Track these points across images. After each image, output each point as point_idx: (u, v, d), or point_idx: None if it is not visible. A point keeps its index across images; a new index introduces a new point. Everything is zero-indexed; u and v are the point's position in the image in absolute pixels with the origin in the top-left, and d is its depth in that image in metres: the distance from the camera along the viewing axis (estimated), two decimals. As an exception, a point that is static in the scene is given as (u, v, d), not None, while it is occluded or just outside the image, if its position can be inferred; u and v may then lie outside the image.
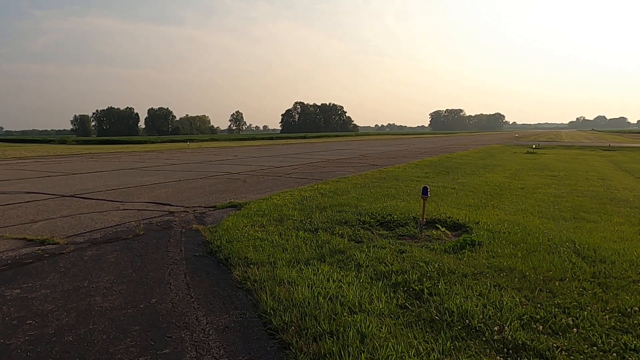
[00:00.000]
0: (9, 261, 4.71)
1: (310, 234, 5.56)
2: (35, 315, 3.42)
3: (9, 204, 8.10)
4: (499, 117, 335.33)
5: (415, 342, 2.88)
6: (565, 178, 12.14)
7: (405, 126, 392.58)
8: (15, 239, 5.58)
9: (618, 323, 3.14)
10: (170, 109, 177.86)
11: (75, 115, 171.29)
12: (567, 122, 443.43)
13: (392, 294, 3.66)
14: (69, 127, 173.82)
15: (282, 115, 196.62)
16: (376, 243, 5.14)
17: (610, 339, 2.92)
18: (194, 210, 7.47)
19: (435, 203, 7.60)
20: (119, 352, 2.90)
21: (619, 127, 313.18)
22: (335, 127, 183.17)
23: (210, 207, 7.80)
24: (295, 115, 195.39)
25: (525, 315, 3.22)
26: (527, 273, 4.06)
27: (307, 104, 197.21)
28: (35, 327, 3.24)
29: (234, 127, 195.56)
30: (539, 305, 3.41)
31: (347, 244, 5.10)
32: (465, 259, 4.51)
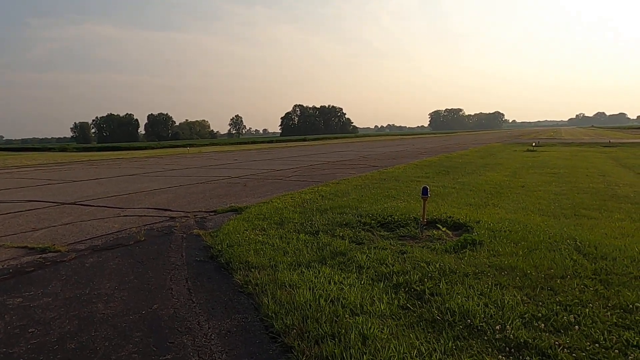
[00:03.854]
0: (11, 270, 4.72)
1: (311, 237, 5.56)
2: (38, 324, 3.43)
3: (10, 213, 8.12)
4: (498, 115, 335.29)
5: (417, 342, 2.88)
6: (566, 175, 12.14)
7: (405, 126, 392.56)
8: (16, 247, 5.59)
9: (620, 320, 3.13)
10: (170, 114, 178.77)
11: (75, 123, 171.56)
12: (566, 119, 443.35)
13: (393, 295, 3.66)
14: (69, 134, 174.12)
15: (281, 118, 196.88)
16: (377, 244, 5.14)
17: (612, 335, 2.91)
18: (194, 215, 7.47)
19: (436, 203, 7.60)
20: (121, 358, 2.90)
21: (618, 123, 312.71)
22: (335, 129, 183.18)
23: (211, 211, 7.80)
24: (294, 118, 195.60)
25: (527, 314, 3.22)
26: (528, 271, 4.06)
27: (307, 107, 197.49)
28: (38, 335, 3.25)
29: (233, 131, 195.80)
30: (540, 303, 3.41)
31: (348, 245, 5.10)
32: (466, 258, 4.51)
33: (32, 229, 6.67)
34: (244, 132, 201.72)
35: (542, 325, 3.05)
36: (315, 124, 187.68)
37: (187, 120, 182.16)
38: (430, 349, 2.80)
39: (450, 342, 2.87)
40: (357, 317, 3.23)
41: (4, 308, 3.73)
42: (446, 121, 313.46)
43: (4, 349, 3.05)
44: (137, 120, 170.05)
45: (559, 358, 2.67)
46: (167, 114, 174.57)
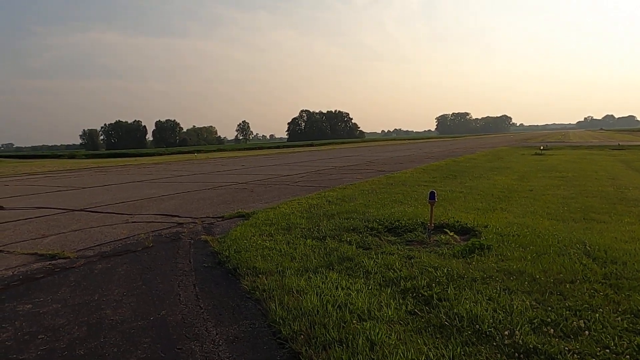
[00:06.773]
0: (21, 276, 4.76)
1: (318, 242, 5.56)
2: (47, 330, 3.46)
3: (20, 220, 8.20)
4: (505, 119, 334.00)
5: (425, 348, 2.86)
6: (574, 179, 12.05)
7: (412, 131, 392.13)
8: (26, 254, 5.65)
9: (630, 324, 3.10)
10: (178, 120, 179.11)
11: (83, 130, 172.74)
12: (575, 122, 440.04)
13: (401, 301, 3.65)
14: (78, 141, 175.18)
15: (288, 123, 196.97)
16: (384, 249, 5.12)
17: (623, 340, 2.88)
18: (202, 221, 7.50)
19: (443, 207, 7.57)
20: (129, 364, 2.92)
21: (627, 125, 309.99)
22: (342, 134, 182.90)
23: (219, 217, 7.83)
24: (301, 123, 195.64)
25: (536, 319, 3.19)
26: (537, 276, 4.02)
27: (313, 112, 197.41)
28: (47, 341, 3.27)
29: (240, 137, 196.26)
30: (549, 308, 3.38)
31: (355, 251, 5.10)
32: (474, 263, 4.48)
33: (41, 236, 6.73)
34: (250, 137, 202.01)
35: (552, 330, 3.02)
36: (322, 129, 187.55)
37: (194, 126, 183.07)
38: (439, 354, 2.79)
39: (459, 348, 2.85)
40: (364, 323, 3.22)
41: (14, 314, 3.77)
42: (453, 125, 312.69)
43: (14, 355, 3.08)
44: (144, 126, 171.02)
45: (569, 364, 2.65)
46: (174, 120, 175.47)
